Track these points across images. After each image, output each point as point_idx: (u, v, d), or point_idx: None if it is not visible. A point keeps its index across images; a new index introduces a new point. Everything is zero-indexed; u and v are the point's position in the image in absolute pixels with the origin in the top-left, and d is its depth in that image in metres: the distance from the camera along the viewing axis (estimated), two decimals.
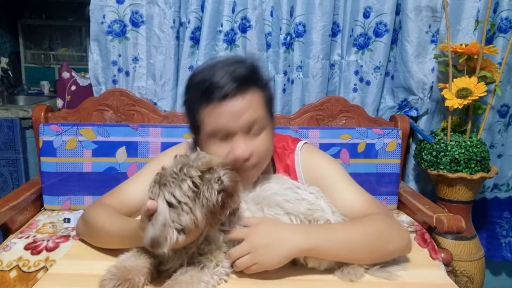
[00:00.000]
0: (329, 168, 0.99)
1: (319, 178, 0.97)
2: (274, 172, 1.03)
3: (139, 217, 0.94)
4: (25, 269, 1.15)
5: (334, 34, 1.69)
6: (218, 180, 0.72)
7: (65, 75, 1.82)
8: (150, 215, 0.71)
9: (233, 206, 0.77)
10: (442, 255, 1.32)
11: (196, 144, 0.92)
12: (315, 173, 0.98)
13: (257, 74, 0.89)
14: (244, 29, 1.64)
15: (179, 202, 0.70)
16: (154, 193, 0.74)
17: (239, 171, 0.82)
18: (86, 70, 1.80)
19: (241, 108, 0.83)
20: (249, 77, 0.85)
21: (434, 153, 1.60)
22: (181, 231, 0.71)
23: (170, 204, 0.71)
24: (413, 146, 1.79)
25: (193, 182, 0.71)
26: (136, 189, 0.96)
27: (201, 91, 0.84)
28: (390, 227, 0.87)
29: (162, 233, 0.69)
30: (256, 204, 0.86)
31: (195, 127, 0.89)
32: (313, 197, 0.87)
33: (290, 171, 1.01)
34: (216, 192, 0.72)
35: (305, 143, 1.05)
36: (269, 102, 0.91)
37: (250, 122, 0.85)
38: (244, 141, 0.85)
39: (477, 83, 1.55)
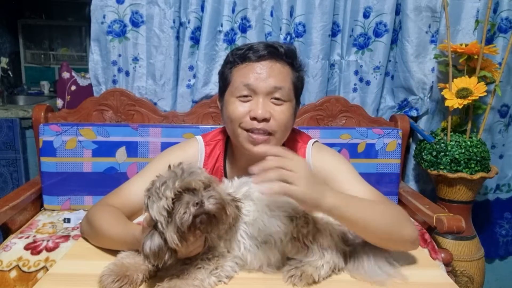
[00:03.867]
0: (339, 165, 1.00)
1: (329, 174, 0.98)
2: None
3: (140, 218, 0.95)
4: (25, 269, 1.15)
5: (334, 34, 1.69)
6: (197, 204, 0.69)
7: (65, 75, 1.82)
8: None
9: (221, 227, 0.75)
10: (442, 255, 1.32)
11: (221, 109, 1.00)
12: (325, 169, 1.00)
13: (291, 54, 0.96)
14: (244, 29, 1.64)
15: (156, 220, 0.70)
16: (145, 203, 0.74)
17: (255, 134, 0.90)
18: (86, 70, 1.80)
19: (270, 71, 0.92)
20: (283, 53, 0.94)
21: (434, 153, 1.60)
22: (172, 250, 0.71)
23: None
24: (413, 146, 1.79)
25: (167, 203, 0.69)
26: (139, 188, 0.95)
27: (239, 54, 0.94)
28: (406, 216, 0.88)
29: (160, 247, 0.70)
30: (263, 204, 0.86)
31: (223, 88, 0.97)
32: None
33: None
34: (191, 216, 0.69)
35: (317, 141, 1.07)
36: (296, 82, 0.97)
37: (274, 87, 0.91)
38: (264, 103, 0.91)
39: (477, 83, 1.55)
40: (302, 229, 0.81)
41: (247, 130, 0.92)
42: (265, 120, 0.90)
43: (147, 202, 0.73)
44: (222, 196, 0.74)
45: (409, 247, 0.87)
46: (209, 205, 0.70)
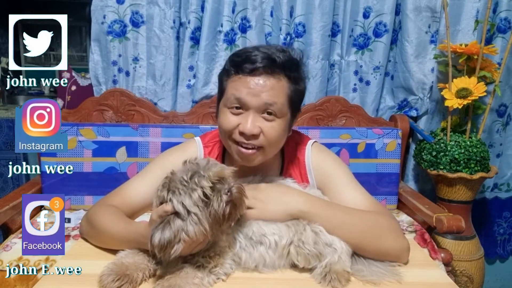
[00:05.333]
0: (337, 168, 1.01)
1: (327, 176, 0.99)
2: (282, 165, 1.04)
3: (140, 219, 0.95)
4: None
5: (334, 34, 1.69)
6: (228, 191, 0.73)
7: (65, 75, 1.82)
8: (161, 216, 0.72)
9: (237, 217, 0.77)
10: (442, 255, 1.32)
11: (216, 114, 0.97)
12: (324, 171, 1.01)
13: (290, 65, 0.90)
14: (244, 29, 1.64)
15: (188, 212, 0.71)
16: (163, 197, 0.74)
17: (242, 148, 0.89)
18: (86, 70, 1.80)
19: (262, 87, 0.87)
20: (281, 64, 0.88)
21: (434, 153, 1.60)
22: (180, 241, 0.71)
23: (177, 213, 0.72)
24: (413, 146, 1.79)
25: (203, 193, 0.71)
26: (139, 188, 0.96)
27: (235, 62, 0.89)
28: (390, 228, 0.88)
29: (175, 237, 0.70)
30: None
31: (219, 95, 0.95)
32: None
33: (300, 166, 1.03)
34: (224, 204, 0.72)
35: (316, 141, 1.07)
36: (293, 96, 0.91)
37: (265, 104, 0.87)
38: (254, 119, 0.88)
39: (477, 83, 1.55)
40: (300, 235, 0.82)
41: (237, 143, 0.91)
42: (254, 136, 0.88)
43: (169, 197, 0.73)
44: (241, 185, 0.78)
45: (394, 258, 0.87)
46: (235, 192, 0.74)
